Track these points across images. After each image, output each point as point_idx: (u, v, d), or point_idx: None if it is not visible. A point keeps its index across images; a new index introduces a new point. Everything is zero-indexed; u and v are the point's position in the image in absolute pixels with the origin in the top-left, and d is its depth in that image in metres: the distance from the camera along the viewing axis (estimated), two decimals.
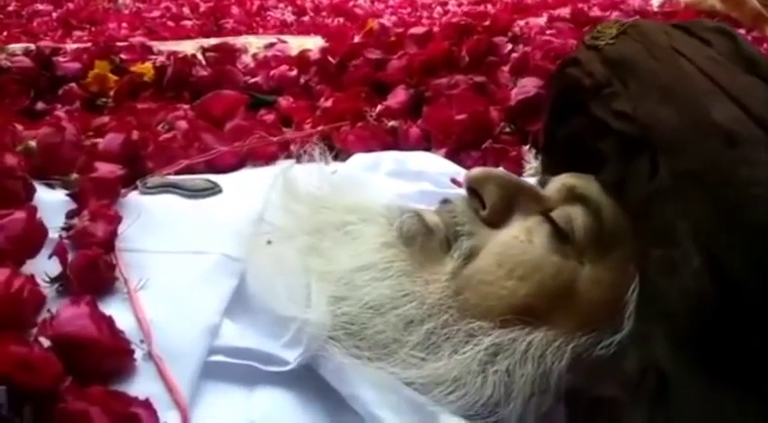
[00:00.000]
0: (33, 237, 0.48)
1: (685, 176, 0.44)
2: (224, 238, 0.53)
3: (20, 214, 0.48)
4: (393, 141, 0.81)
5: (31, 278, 0.45)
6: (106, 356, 0.42)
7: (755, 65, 0.47)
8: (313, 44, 0.99)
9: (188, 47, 0.99)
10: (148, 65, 0.94)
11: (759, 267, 0.41)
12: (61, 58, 0.94)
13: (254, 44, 1.02)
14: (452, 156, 0.80)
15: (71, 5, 2.39)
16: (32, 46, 0.97)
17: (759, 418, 0.41)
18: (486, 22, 0.92)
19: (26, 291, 0.44)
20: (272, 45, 1.02)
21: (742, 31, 0.90)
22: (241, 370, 0.47)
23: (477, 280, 0.50)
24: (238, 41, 1.02)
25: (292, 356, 0.47)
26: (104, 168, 0.54)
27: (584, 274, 0.49)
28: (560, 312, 0.49)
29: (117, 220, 0.51)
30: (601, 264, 0.50)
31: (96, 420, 0.38)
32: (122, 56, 0.95)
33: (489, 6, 1.75)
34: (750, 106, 0.44)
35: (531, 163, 0.75)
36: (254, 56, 1.00)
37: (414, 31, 0.96)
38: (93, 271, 0.47)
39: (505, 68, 0.87)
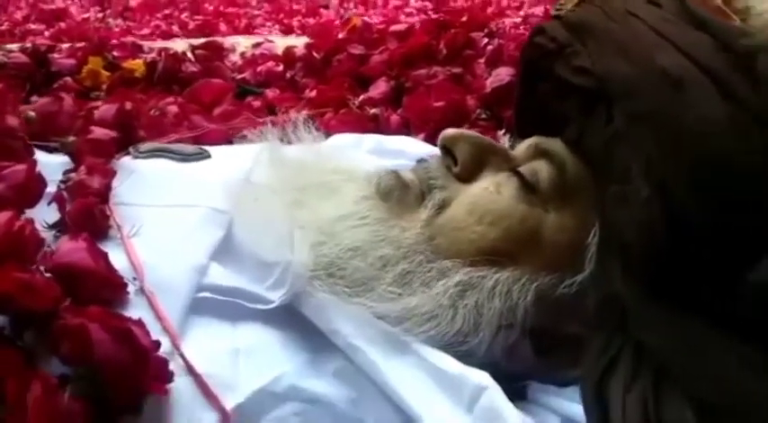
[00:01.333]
0: (33, 186, 0.51)
1: (637, 119, 0.48)
2: (212, 194, 0.57)
3: (20, 166, 0.51)
4: (374, 127, 0.85)
5: (31, 221, 0.48)
6: (102, 286, 0.46)
7: (701, 21, 0.52)
8: (299, 43, 1.03)
9: (178, 45, 1.03)
10: (139, 61, 0.98)
11: (702, 194, 0.45)
12: (56, 55, 0.98)
13: (242, 44, 1.06)
14: (431, 140, 0.83)
15: (63, 25, 2.45)
16: (29, 44, 1.02)
17: (711, 338, 0.45)
18: (464, 19, 0.97)
19: (27, 230, 0.47)
20: (259, 44, 1.07)
21: None
22: (227, 307, 0.50)
23: (449, 227, 0.53)
24: (227, 41, 1.06)
25: (276, 296, 0.51)
26: (99, 131, 0.58)
27: (548, 220, 0.53)
28: (526, 254, 0.52)
29: (111, 174, 0.54)
30: (564, 211, 0.54)
31: (94, 334, 0.41)
32: (114, 53, 0.99)
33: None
34: (695, 56, 0.48)
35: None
36: (242, 54, 1.04)
37: (395, 27, 1.01)
38: (89, 217, 0.51)
39: (481, 61, 0.92)
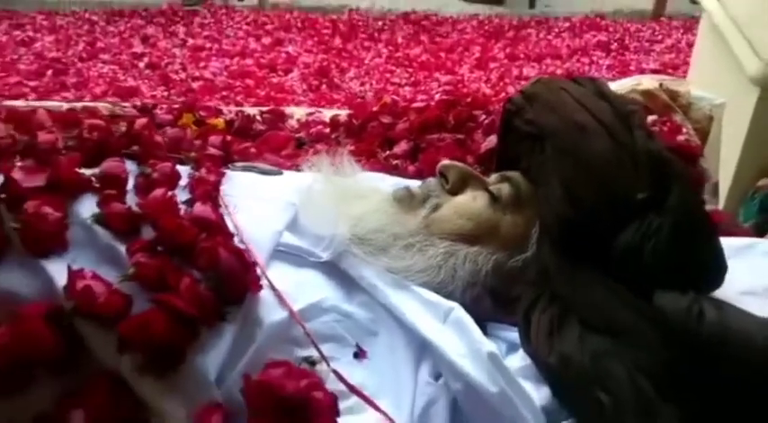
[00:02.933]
0: (174, 176, 0.80)
1: (557, 150, 0.77)
2: (285, 193, 0.86)
3: (167, 164, 0.81)
4: (396, 174, 1.14)
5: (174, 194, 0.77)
6: (219, 230, 0.74)
7: (604, 95, 0.82)
8: (342, 113, 1.34)
9: (250, 110, 1.35)
10: (221, 120, 1.29)
11: (591, 194, 0.73)
12: (158, 111, 1.29)
13: (297, 113, 1.37)
14: None
15: (136, 100, 2.80)
16: (138, 102, 1.33)
17: (595, 282, 0.72)
18: (468, 100, 1.28)
19: (174, 199, 0.76)
20: (311, 114, 1.38)
21: (654, 116, 1.24)
22: (293, 257, 0.78)
23: (440, 220, 0.82)
24: (287, 110, 1.38)
25: (325, 254, 0.79)
26: (212, 150, 0.88)
27: (505, 219, 0.82)
28: (489, 240, 0.81)
29: (221, 174, 0.84)
30: (516, 215, 0.82)
31: (221, 253, 0.69)
32: (201, 112, 1.30)
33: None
34: (596, 114, 0.78)
35: None
36: (298, 120, 1.35)
37: (416, 104, 1.32)
38: (209, 197, 0.79)
39: (479, 130, 1.22)
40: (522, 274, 0.79)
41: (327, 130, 1.30)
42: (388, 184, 1.04)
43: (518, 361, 0.71)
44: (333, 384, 0.68)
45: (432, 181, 0.88)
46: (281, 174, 0.95)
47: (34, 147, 0.80)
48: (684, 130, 1.24)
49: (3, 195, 0.72)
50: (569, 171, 0.75)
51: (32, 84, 2.78)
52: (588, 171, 0.74)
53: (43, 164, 0.76)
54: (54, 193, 0.73)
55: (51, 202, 0.72)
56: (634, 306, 0.68)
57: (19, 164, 0.75)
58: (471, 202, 0.84)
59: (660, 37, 3.68)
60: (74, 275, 0.67)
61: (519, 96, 0.87)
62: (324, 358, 0.69)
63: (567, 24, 3.86)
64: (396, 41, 3.61)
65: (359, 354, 0.72)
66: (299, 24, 3.82)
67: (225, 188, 0.85)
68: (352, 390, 0.67)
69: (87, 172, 0.77)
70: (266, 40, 3.58)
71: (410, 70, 3.18)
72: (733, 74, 1.75)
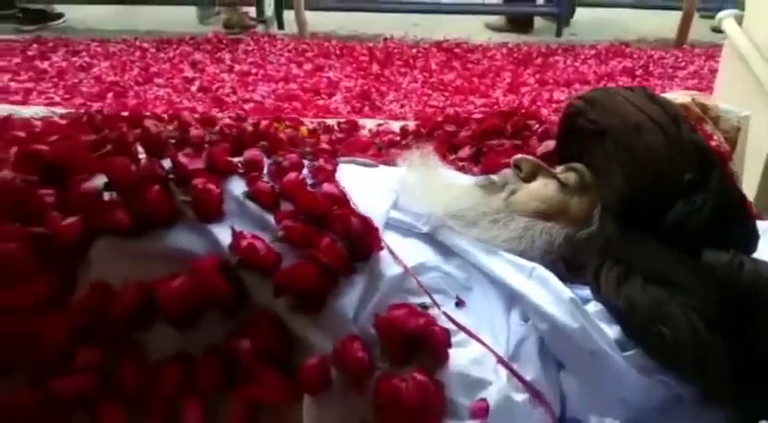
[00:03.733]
0: (300, 164, 0.98)
1: (619, 145, 0.95)
2: (387, 180, 1.03)
3: (293, 155, 0.99)
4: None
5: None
6: (346, 202, 0.91)
7: (654, 99, 0.99)
8: (410, 124, 1.52)
9: (330, 121, 1.53)
10: (304, 128, 1.47)
11: (649, 177, 0.90)
12: (249, 122, 1.48)
13: (368, 124, 1.55)
14: None
15: None
16: (233, 113, 1.52)
17: (651, 245, 0.89)
18: (523, 111, 1.46)
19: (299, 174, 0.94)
20: (380, 125, 1.56)
21: None
22: (400, 229, 0.95)
23: (518, 202, 0.99)
24: (359, 121, 1.56)
25: (425, 228, 0.96)
26: (324, 146, 1.06)
27: (572, 201, 0.99)
28: (559, 217, 0.98)
29: (335, 164, 1.01)
30: (582, 197, 0.99)
31: (352, 218, 0.86)
32: (287, 122, 1.49)
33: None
34: (649, 114, 0.95)
35: None
36: (370, 130, 1.53)
37: (476, 115, 1.50)
38: (330, 181, 0.97)
39: (534, 137, 1.39)
40: (587, 245, 0.96)
41: (398, 137, 1.48)
42: (463, 177, 1.22)
43: (591, 307, 0.88)
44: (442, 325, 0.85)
45: (507, 171, 1.05)
46: (377, 166, 1.14)
47: (187, 140, 0.99)
48: (715, 137, 1.41)
49: (171, 176, 0.90)
50: (629, 162, 0.93)
51: (96, 105, 2.99)
52: (645, 162, 0.92)
53: (199, 152, 0.94)
54: (211, 175, 0.91)
55: (211, 180, 0.90)
56: (685, 261, 0.85)
57: (181, 152, 0.93)
58: (543, 187, 1.01)
59: (683, 63, 3.85)
60: (238, 236, 0.85)
61: (580, 100, 1.05)
62: (435, 303, 0.86)
63: (593, 52, 4.04)
64: (430, 68, 3.81)
65: (459, 303, 0.89)
66: (338, 52, 4.03)
67: (338, 175, 1.03)
68: (460, 327, 0.84)
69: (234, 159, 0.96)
70: (308, 67, 3.78)
71: (446, 94, 3.37)
72: (756, 95, 1.92)
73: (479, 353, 0.83)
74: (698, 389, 0.82)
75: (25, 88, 3.32)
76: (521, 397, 0.81)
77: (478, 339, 0.83)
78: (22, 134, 1.23)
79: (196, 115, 1.40)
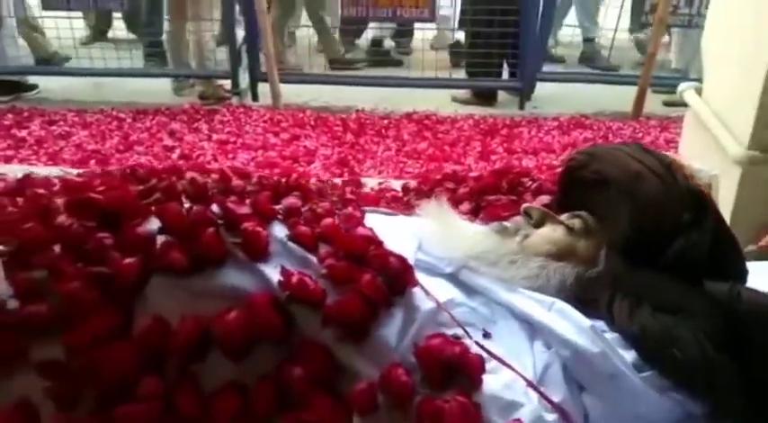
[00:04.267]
0: (332, 211, 1.07)
1: (621, 192, 1.06)
2: (410, 226, 1.13)
3: (326, 203, 1.08)
4: None
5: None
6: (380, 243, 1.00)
7: (648, 151, 1.11)
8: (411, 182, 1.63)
9: (336, 180, 1.63)
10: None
11: (650, 220, 1.02)
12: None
13: (369, 183, 1.66)
14: None
15: None
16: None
17: (656, 278, 0.99)
18: (516, 170, 1.58)
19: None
20: (381, 183, 1.67)
21: None
22: (427, 269, 1.04)
23: (531, 245, 1.10)
24: (362, 179, 1.67)
25: (449, 268, 1.05)
26: (349, 196, 1.15)
27: (580, 243, 1.10)
28: (569, 258, 1.08)
29: (363, 211, 1.11)
30: (588, 240, 1.10)
31: (390, 257, 0.95)
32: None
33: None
34: (647, 164, 1.07)
35: None
36: (372, 188, 1.64)
37: (472, 174, 1.62)
38: (361, 224, 1.06)
39: (528, 193, 1.51)
40: (597, 281, 1.06)
41: (401, 194, 1.58)
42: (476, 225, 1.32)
43: (608, 335, 0.97)
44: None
45: (518, 218, 1.16)
46: (398, 215, 1.23)
47: (230, 189, 1.07)
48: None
49: (221, 221, 0.98)
50: (632, 207, 1.04)
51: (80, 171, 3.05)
52: (647, 206, 1.04)
53: (242, 200, 1.03)
54: (257, 219, 1.00)
55: (258, 224, 0.98)
56: (690, 291, 0.96)
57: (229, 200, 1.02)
58: (552, 232, 1.12)
59: (641, 134, 4.07)
60: (287, 274, 0.93)
61: (581, 155, 1.17)
62: (467, 334, 0.94)
63: (556, 123, 4.25)
64: (402, 137, 3.96)
65: (486, 335, 0.98)
66: (313, 122, 4.16)
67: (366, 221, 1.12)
68: (491, 354, 0.93)
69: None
70: (284, 136, 3.90)
71: (420, 161, 3.51)
72: (718, 156, 2.09)
73: (510, 378, 0.91)
74: (708, 405, 0.91)
75: (5, 155, 3.37)
76: (551, 417, 0.89)
77: (509, 365, 0.92)
78: (42, 191, 1.30)
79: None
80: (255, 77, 4.55)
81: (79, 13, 5.33)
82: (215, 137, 3.85)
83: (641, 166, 1.07)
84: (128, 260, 0.93)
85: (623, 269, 1.03)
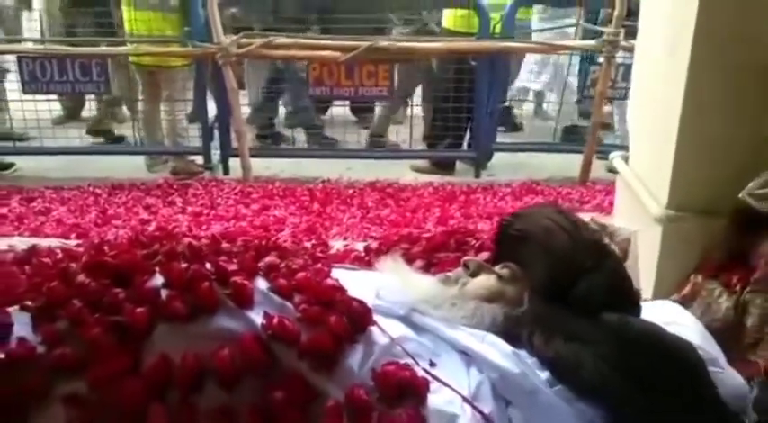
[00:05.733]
0: (306, 266, 1.30)
1: (536, 244, 1.32)
2: (369, 278, 1.36)
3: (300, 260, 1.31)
4: None
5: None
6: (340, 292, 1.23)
7: (561, 211, 1.38)
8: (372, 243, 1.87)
9: (306, 244, 1.87)
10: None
11: (555, 267, 1.27)
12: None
13: (336, 245, 1.89)
14: None
15: None
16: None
17: (565, 315, 1.23)
18: (462, 231, 1.83)
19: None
20: (346, 244, 1.91)
21: None
22: (382, 312, 1.27)
23: (468, 291, 1.34)
24: (329, 241, 1.90)
25: (401, 311, 1.29)
26: (319, 254, 1.38)
27: (508, 288, 1.34)
28: (499, 300, 1.33)
29: (330, 266, 1.34)
30: (514, 286, 1.35)
31: (354, 302, 1.18)
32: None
33: None
34: (557, 221, 1.33)
35: None
36: (338, 249, 1.87)
37: (426, 235, 1.87)
38: (329, 276, 1.29)
39: (472, 251, 1.76)
40: (521, 319, 1.30)
41: (363, 254, 1.82)
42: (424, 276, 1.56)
43: (528, 360, 1.20)
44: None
45: (458, 270, 1.40)
46: (358, 270, 1.47)
47: (220, 251, 1.30)
48: (611, 247, 1.81)
49: (214, 276, 1.21)
50: (545, 257, 1.29)
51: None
52: (556, 257, 1.29)
53: (231, 259, 1.26)
54: (243, 274, 1.22)
55: (245, 278, 1.21)
56: (591, 323, 1.20)
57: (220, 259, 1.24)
58: (486, 280, 1.36)
59: (587, 198, 4.39)
60: (269, 317, 1.15)
61: (510, 217, 1.43)
62: (416, 362, 1.17)
63: (509, 190, 4.55)
64: (366, 205, 4.22)
65: (432, 364, 1.20)
66: (281, 193, 4.41)
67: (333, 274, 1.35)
68: (434, 378, 1.15)
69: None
70: (254, 207, 4.13)
71: (384, 227, 3.76)
72: (643, 216, 2.36)
73: (450, 396, 1.14)
74: (607, 414, 1.14)
75: None
76: None
77: (448, 385, 1.14)
78: (48, 260, 1.52)
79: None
80: (226, 153, 4.80)
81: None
82: (189, 209, 4.07)
83: (553, 224, 1.33)
84: (138, 310, 1.14)
85: (542, 308, 1.27)
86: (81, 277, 1.21)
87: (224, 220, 3.88)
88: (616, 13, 4.21)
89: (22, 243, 2.15)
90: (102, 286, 1.18)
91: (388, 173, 4.89)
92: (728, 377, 1.27)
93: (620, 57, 4.48)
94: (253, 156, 4.76)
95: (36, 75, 4.55)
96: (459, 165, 5.19)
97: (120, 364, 1.10)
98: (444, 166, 5.07)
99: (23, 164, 5.03)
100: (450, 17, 4.96)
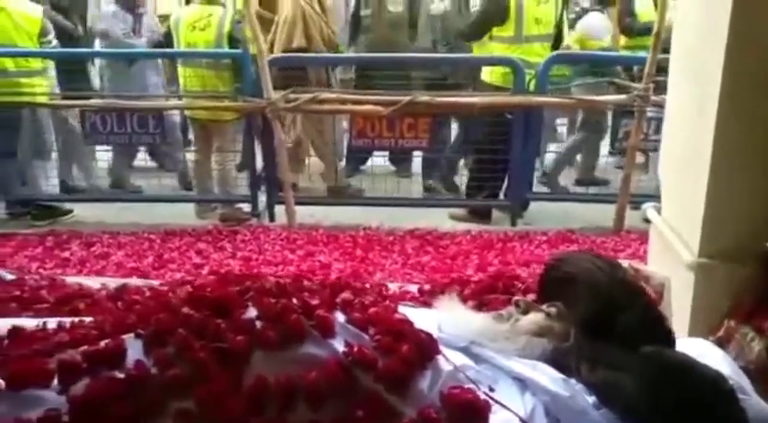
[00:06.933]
0: (377, 301, 1.48)
1: (579, 284, 1.49)
2: (431, 315, 1.54)
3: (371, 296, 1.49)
4: None
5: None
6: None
7: (600, 256, 1.55)
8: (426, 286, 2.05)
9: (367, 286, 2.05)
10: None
11: (596, 303, 1.45)
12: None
13: (391, 287, 2.07)
14: None
15: None
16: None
17: (610, 347, 1.40)
18: (509, 275, 2.00)
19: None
20: (401, 287, 2.08)
21: None
22: (445, 344, 1.44)
23: (521, 327, 1.51)
24: (387, 283, 2.08)
25: (461, 343, 1.46)
26: (384, 292, 1.57)
27: (555, 325, 1.51)
28: (548, 335, 1.49)
29: (396, 304, 1.52)
30: (561, 323, 1.51)
31: (423, 334, 1.35)
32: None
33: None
34: (598, 265, 1.50)
35: None
36: (393, 291, 2.05)
37: (474, 278, 2.04)
38: (396, 312, 1.47)
39: (519, 293, 1.92)
40: (569, 352, 1.46)
41: (418, 295, 1.99)
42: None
43: (576, 386, 1.36)
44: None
45: (511, 308, 1.57)
46: (419, 307, 1.64)
47: (302, 288, 1.49)
48: (647, 291, 1.96)
49: (300, 310, 1.39)
50: (587, 297, 1.46)
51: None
52: (597, 296, 1.45)
53: (313, 295, 1.44)
54: (324, 308, 1.41)
55: (326, 311, 1.39)
56: (630, 354, 1.35)
57: (303, 295, 1.43)
58: (535, 317, 1.53)
59: (622, 247, 4.52)
60: (350, 345, 1.33)
61: (554, 261, 1.60)
62: (477, 387, 1.33)
63: (545, 238, 4.70)
64: (407, 252, 4.39)
65: (491, 389, 1.37)
66: (325, 239, 4.61)
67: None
68: (495, 400, 1.32)
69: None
70: (300, 252, 4.33)
71: (424, 273, 3.93)
72: (676, 264, 2.51)
73: (508, 417, 1.30)
74: None
75: (54, 273, 3.77)
76: None
77: (507, 408, 1.31)
78: (138, 297, 1.72)
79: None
80: (273, 201, 5.03)
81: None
82: (239, 254, 4.28)
83: (594, 267, 1.50)
84: (238, 337, 1.33)
85: (586, 342, 1.43)
86: (185, 309, 1.40)
87: (272, 264, 4.08)
88: (646, 69, 4.40)
89: (112, 282, 2.36)
90: (204, 317, 1.37)
91: (427, 221, 5.07)
92: (755, 403, 1.41)
93: (650, 110, 4.65)
94: (297, 203, 4.98)
95: (97, 127, 4.86)
96: (495, 213, 5.36)
97: (224, 385, 1.28)
98: (481, 215, 5.24)
99: (80, 211, 5.32)
100: (488, 71, 5.20)
